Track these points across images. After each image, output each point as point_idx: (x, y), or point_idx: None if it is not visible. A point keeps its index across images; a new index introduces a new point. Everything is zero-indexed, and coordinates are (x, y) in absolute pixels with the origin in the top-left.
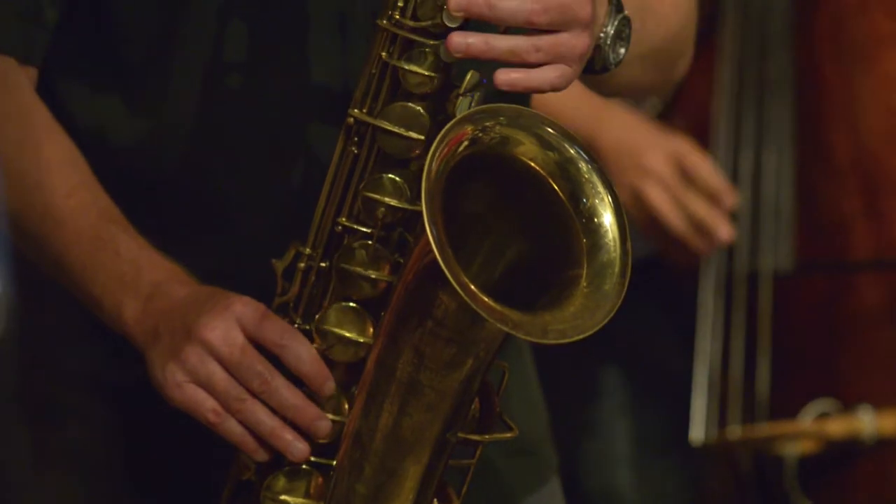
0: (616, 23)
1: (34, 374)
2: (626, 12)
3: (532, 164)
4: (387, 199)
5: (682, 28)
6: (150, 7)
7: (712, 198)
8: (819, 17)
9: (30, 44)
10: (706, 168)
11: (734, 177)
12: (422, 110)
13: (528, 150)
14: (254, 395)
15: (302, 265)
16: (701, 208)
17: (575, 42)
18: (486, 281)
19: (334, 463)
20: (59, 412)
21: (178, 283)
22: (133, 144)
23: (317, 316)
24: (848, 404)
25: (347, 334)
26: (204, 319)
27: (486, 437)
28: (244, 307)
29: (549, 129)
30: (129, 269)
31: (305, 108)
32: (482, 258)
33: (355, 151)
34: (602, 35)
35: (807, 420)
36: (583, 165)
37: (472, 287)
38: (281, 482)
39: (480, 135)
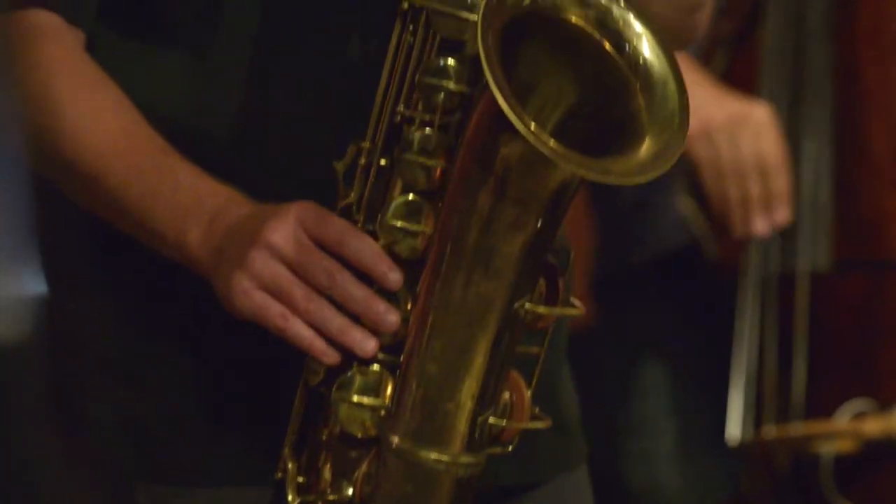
0: None
1: (67, 376)
2: None
3: (581, 24)
4: (445, 83)
5: None
6: None
7: (770, 199)
8: (859, 15)
9: (78, 4)
10: (783, 172)
11: None
12: None
13: (574, 13)
14: (321, 293)
15: (363, 161)
16: (756, 192)
17: None
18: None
19: (402, 357)
20: (96, 393)
21: (238, 205)
22: (183, 95)
23: (379, 214)
24: (884, 404)
25: (411, 227)
26: (266, 224)
27: (554, 309)
28: (304, 209)
29: None
30: (190, 198)
31: (359, 30)
32: (542, 119)
33: (411, 39)
34: None
35: (843, 419)
36: (616, 11)
37: (534, 126)
38: (353, 384)
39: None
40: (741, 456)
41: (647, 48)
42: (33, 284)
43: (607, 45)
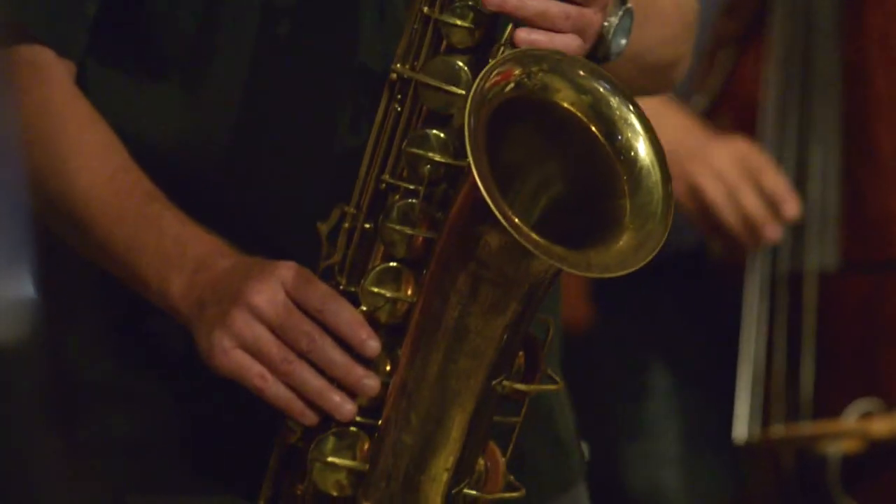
0: (620, 13)
1: (61, 378)
2: (629, 4)
3: (571, 108)
4: (431, 155)
5: (682, 30)
6: (188, 2)
7: (771, 200)
8: (868, 16)
9: (69, 36)
10: (770, 169)
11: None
12: (463, 64)
13: (566, 96)
14: (301, 356)
15: (346, 225)
16: (754, 204)
17: (594, 18)
18: (530, 222)
19: (380, 423)
20: (95, 403)
21: (222, 256)
22: (171, 135)
23: (362, 279)
24: (892, 404)
25: (393, 295)
26: (249, 284)
27: (532, 387)
28: (288, 271)
29: (582, 72)
30: (174, 246)
31: (344, 93)
32: (526, 202)
33: (398, 108)
34: (606, 24)
35: (850, 419)
36: (613, 102)
37: (517, 220)
38: (329, 444)
39: (526, 80)
40: (747, 455)
41: (640, 142)
42: (32, 287)
43: (598, 133)
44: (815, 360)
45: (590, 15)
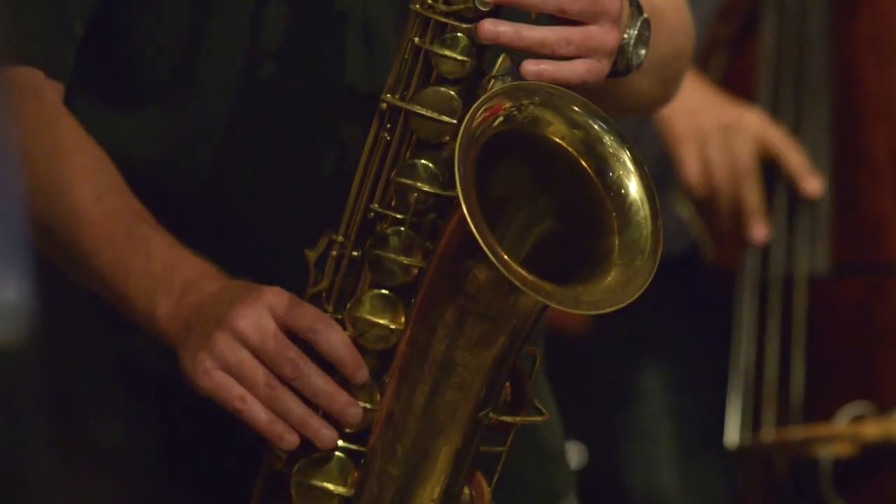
0: (638, 24)
1: (59, 378)
2: (645, 15)
3: (562, 143)
4: (419, 185)
5: (687, 42)
6: (173, 22)
7: (794, 180)
8: (859, 18)
9: (58, 57)
10: (789, 146)
11: None
12: (454, 94)
13: (557, 130)
14: (284, 382)
15: (334, 253)
16: (753, 199)
17: (605, 37)
18: (518, 257)
19: (365, 449)
20: (84, 413)
21: (210, 279)
22: (154, 160)
23: (349, 304)
24: (883, 407)
25: (380, 321)
26: (235, 309)
27: (518, 418)
28: (275, 296)
29: (576, 108)
30: (161, 269)
31: (330, 120)
32: (514, 236)
33: (388, 138)
34: (626, 36)
35: (842, 423)
36: (607, 140)
37: (506, 257)
38: (312, 468)
39: (516, 113)
40: (740, 460)
41: (631, 180)
42: (23, 293)
43: (589, 168)
44: (806, 363)
45: (598, 34)
